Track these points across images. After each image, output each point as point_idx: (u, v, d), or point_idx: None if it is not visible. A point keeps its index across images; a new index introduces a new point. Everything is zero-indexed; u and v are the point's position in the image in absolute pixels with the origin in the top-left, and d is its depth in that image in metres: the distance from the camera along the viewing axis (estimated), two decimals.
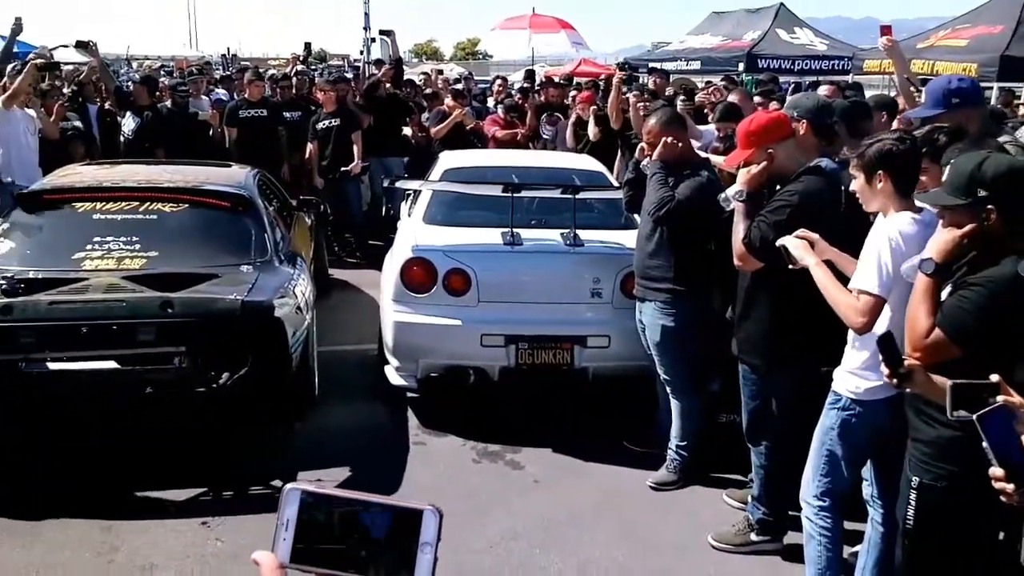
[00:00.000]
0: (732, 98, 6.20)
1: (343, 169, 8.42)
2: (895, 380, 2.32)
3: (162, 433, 4.60)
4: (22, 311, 4.02)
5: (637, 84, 6.80)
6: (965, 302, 2.41)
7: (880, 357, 2.32)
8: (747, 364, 3.69)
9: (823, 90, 6.23)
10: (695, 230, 4.23)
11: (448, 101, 9.43)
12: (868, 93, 8.27)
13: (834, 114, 4.07)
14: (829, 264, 3.05)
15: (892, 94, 6.29)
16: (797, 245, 3.09)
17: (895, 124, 4.53)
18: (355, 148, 8.47)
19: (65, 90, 8.60)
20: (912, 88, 5.09)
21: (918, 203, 2.80)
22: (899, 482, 2.73)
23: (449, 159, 6.45)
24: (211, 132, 8.41)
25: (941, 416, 2.52)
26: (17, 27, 8.56)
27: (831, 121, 3.98)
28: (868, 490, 3.21)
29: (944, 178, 2.54)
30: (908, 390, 2.43)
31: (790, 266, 3.09)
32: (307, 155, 8.58)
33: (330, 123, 8.50)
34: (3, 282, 4.18)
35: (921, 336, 2.45)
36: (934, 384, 2.35)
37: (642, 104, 6.86)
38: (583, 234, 4.96)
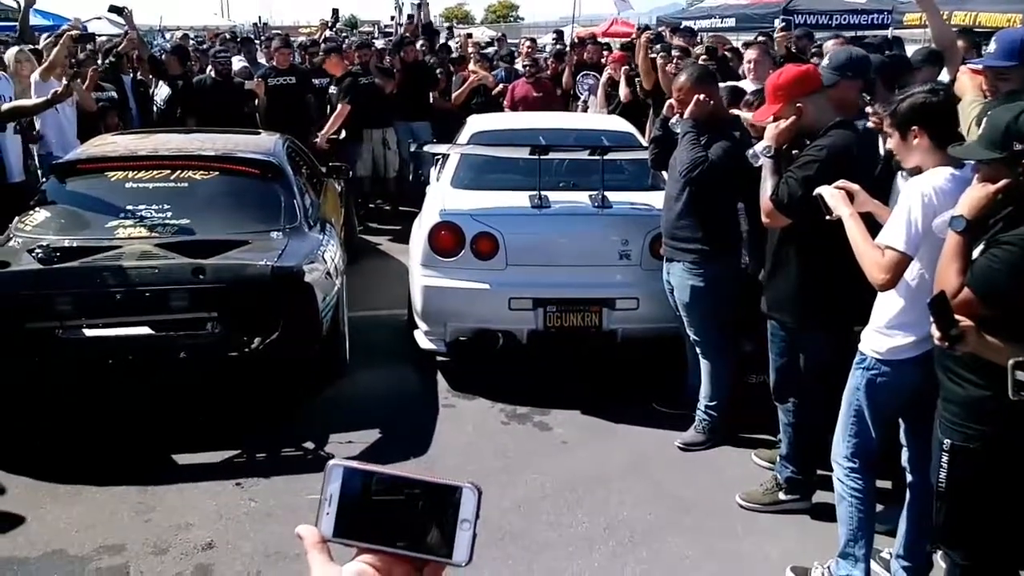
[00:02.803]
0: (750, 54, 6.04)
1: (313, 140, 8.29)
2: (947, 343, 2.27)
3: (196, 397, 4.70)
4: (58, 279, 4.12)
5: (664, 44, 6.68)
6: (996, 261, 2.32)
7: (931, 319, 2.26)
8: (776, 321, 3.65)
9: (830, 43, 6.00)
10: (724, 190, 4.17)
11: (471, 66, 9.37)
12: (908, 47, 8.05)
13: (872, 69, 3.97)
14: (869, 217, 2.98)
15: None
16: (833, 195, 3.00)
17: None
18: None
19: (100, 61, 8.66)
20: (957, 35, 4.89)
21: (952, 154, 2.70)
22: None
23: (477, 122, 6.41)
24: (255, 101, 8.43)
25: (970, 375, 2.47)
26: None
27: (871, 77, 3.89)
28: (905, 454, 3.17)
29: (980, 131, 2.45)
30: (960, 352, 2.35)
31: (826, 217, 3.01)
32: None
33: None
34: (39, 251, 4.26)
35: (950, 295, 2.38)
36: (988, 343, 2.29)
37: (671, 66, 6.75)
38: (611, 196, 4.92)
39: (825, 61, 3.98)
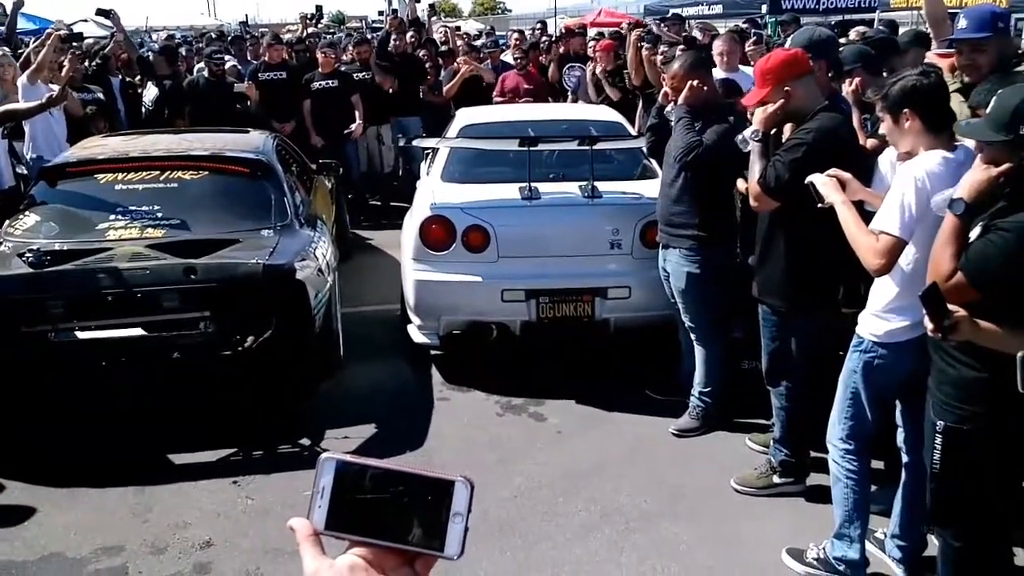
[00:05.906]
0: (718, 44, 6.02)
1: (345, 132, 8.38)
2: (940, 334, 2.27)
3: (190, 397, 4.70)
4: (50, 283, 4.11)
5: (650, 36, 6.66)
6: (991, 247, 2.31)
7: (924, 311, 2.26)
8: (767, 305, 3.66)
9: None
10: (720, 176, 4.18)
11: (460, 58, 9.35)
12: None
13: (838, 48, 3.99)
14: (861, 204, 2.98)
15: (925, 28, 6.05)
16: (825, 183, 3.00)
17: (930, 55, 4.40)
18: (356, 111, 8.43)
19: (88, 63, 8.61)
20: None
21: (958, 133, 2.68)
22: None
23: (466, 115, 6.41)
24: (248, 102, 8.41)
25: (964, 357, 2.47)
26: (19, 2, 8.56)
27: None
28: (901, 435, 3.18)
29: (987, 110, 2.44)
30: (954, 342, 2.36)
31: (818, 204, 3.02)
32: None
33: (326, 84, 8.48)
34: (30, 255, 4.25)
35: (943, 279, 2.37)
36: (982, 331, 2.29)
37: (659, 56, 6.73)
38: (601, 185, 4.92)
39: (788, 43, 3.98)
